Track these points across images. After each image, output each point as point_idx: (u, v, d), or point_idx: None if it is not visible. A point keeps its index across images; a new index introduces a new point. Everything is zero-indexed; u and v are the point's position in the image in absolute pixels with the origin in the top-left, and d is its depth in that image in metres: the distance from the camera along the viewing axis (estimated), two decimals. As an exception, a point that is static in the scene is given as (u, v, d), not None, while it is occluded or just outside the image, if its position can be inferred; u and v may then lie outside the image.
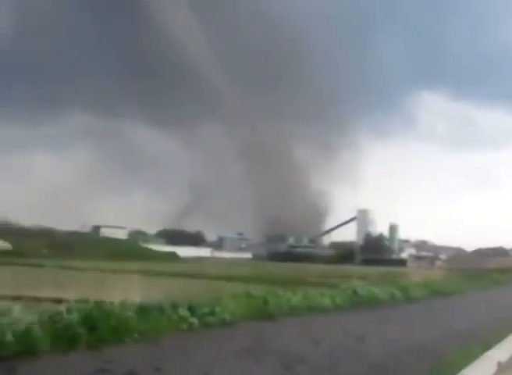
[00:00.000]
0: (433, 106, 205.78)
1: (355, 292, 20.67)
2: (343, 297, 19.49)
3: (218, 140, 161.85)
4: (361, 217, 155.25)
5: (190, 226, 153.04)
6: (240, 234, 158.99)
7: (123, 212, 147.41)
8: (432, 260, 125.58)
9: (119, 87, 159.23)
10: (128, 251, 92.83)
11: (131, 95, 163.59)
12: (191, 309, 12.17)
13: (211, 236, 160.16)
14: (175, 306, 11.95)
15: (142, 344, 9.87)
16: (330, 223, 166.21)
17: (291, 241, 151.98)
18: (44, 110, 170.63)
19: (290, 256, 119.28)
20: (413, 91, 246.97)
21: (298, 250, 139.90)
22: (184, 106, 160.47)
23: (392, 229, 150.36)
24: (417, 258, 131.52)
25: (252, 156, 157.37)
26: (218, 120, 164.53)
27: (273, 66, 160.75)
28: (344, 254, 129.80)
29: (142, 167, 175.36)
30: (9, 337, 7.93)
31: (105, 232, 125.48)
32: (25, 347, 8.10)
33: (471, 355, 11.47)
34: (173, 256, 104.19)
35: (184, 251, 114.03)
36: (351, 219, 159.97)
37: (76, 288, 12.92)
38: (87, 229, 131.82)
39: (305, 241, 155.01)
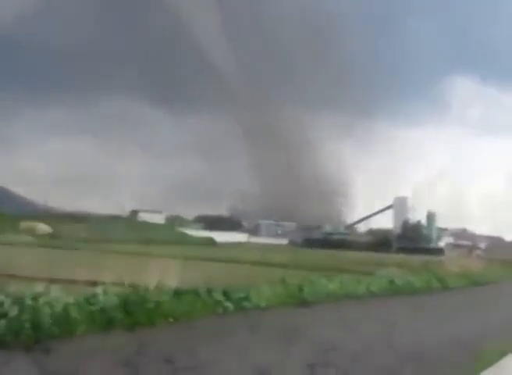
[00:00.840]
0: (464, 90, 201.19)
1: (391, 280, 20.49)
2: (378, 285, 19.34)
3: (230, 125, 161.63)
4: (398, 205, 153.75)
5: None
6: (277, 221, 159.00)
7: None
8: (471, 249, 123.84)
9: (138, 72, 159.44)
10: (165, 235, 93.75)
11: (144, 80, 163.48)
12: (226, 294, 12.21)
13: (248, 222, 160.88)
14: (210, 291, 12.00)
15: (177, 328, 9.93)
16: (354, 210, 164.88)
17: (327, 227, 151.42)
18: (71, 95, 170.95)
19: (326, 243, 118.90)
20: (443, 76, 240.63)
21: (334, 237, 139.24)
22: (202, 92, 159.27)
23: (430, 217, 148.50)
24: (456, 246, 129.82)
25: (266, 142, 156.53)
26: (233, 106, 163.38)
27: (297, 51, 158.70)
28: (381, 241, 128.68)
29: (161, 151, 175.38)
30: (47, 318, 8.03)
31: (143, 216, 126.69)
32: (62, 328, 8.20)
33: (506, 347, 11.26)
34: (210, 241, 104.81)
35: (221, 237, 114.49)
36: (388, 207, 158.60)
37: (112, 271, 13.02)
38: (125, 213, 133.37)
39: (341, 228, 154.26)
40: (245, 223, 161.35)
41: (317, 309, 13.85)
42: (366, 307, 15.94)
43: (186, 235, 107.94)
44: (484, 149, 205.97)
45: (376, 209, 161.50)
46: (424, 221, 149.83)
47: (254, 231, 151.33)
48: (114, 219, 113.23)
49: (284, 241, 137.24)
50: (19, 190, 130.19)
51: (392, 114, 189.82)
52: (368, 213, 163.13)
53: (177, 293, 11.30)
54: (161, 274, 12.65)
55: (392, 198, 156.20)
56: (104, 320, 8.92)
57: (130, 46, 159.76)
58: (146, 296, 10.18)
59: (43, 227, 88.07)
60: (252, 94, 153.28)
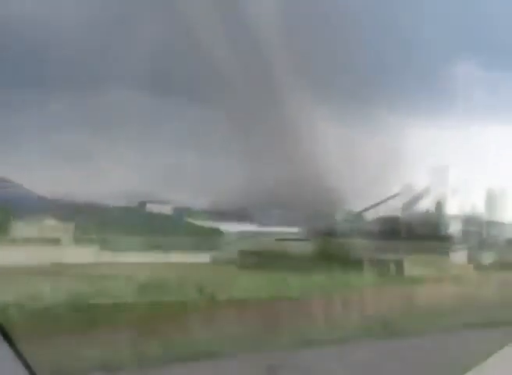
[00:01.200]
0: (468, 76, 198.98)
1: (395, 271, 19.65)
2: (379, 275, 18.48)
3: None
4: (406, 193, 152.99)
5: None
6: (285, 210, 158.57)
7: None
8: (481, 236, 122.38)
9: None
10: (171, 226, 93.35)
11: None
12: (200, 289, 11.42)
13: (256, 212, 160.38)
14: (182, 284, 11.24)
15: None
16: (361, 198, 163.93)
17: (336, 215, 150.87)
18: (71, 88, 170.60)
19: (334, 231, 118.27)
20: (445, 61, 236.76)
21: (342, 225, 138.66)
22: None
23: (439, 204, 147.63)
24: (465, 234, 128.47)
25: (265, 133, 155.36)
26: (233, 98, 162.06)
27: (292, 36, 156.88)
28: (388, 230, 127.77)
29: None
30: None
31: (151, 208, 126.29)
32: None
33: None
34: (217, 232, 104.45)
35: (229, 227, 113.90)
36: (395, 195, 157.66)
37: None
38: (134, 204, 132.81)
39: (349, 216, 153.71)
40: (253, 213, 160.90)
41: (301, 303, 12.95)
42: (358, 299, 14.92)
43: (193, 226, 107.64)
44: (490, 135, 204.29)
45: (383, 197, 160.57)
46: (432, 208, 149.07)
47: (262, 221, 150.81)
48: (123, 209, 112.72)
49: (293, 230, 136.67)
50: (23, 182, 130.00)
51: (392, 102, 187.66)
52: (376, 201, 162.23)
53: (144, 287, 10.49)
54: (137, 268, 11.94)
55: (400, 186, 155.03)
56: (49, 320, 8.06)
57: (130, 40, 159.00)
58: (103, 291, 9.35)
59: (52, 224, 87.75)
60: (250, 87, 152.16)
